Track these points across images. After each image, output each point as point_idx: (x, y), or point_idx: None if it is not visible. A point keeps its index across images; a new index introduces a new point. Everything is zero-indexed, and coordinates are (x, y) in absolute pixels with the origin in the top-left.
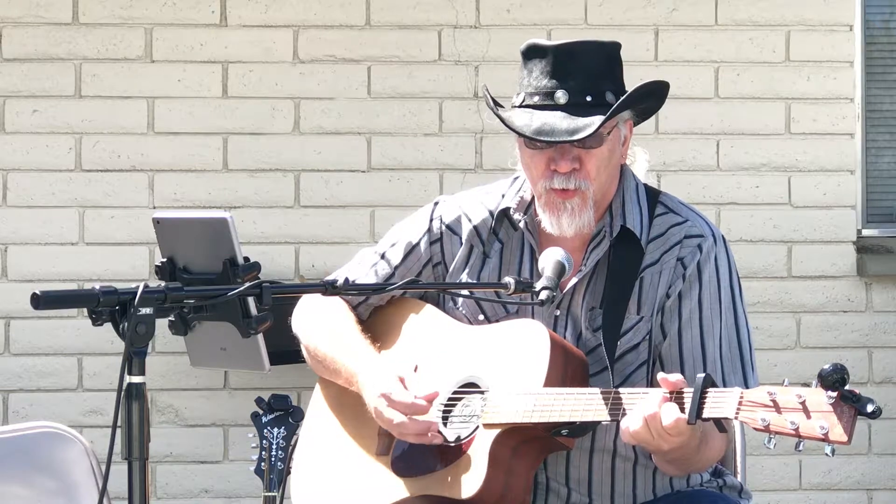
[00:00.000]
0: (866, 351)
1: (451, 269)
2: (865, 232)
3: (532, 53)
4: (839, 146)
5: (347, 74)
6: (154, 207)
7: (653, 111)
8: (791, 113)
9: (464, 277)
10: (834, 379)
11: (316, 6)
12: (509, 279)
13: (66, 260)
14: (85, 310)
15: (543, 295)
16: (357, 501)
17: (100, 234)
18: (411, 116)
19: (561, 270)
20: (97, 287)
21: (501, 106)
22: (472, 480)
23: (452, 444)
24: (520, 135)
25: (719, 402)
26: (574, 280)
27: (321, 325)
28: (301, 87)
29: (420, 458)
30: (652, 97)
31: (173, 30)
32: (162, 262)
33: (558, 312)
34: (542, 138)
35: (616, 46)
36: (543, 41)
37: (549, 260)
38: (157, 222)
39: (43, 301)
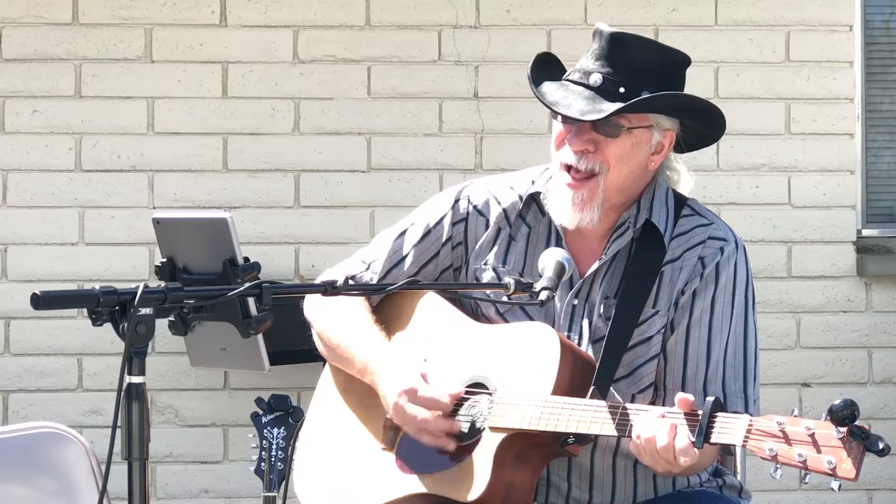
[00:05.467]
0: (866, 351)
1: (474, 251)
2: (865, 232)
3: (594, 35)
4: (839, 146)
5: (347, 74)
6: (154, 207)
7: (706, 138)
8: (791, 113)
9: (490, 258)
10: (844, 415)
11: (316, 6)
12: (509, 279)
13: (66, 260)
14: (85, 310)
15: (543, 295)
16: (359, 494)
17: (100, 234)
18: (411, 116)
19: (561, 271)
20: (97, 287)
21: (560, 72)
22: (476, 483)
23: (458, 445)
24: (540, 100)
25: (727, 428)
26: (593, 268)
27: (334, 311)
28: (301, 87)
29: (425, 456)
30: (693, 115)
31: (173, 30)
32: (162, 263)
33: (576, 301)
34: (555, 109)
35: (680, 56)
36: (605, 26)
37: (549, 260)
38: (157, 222)
39: (43, 301)
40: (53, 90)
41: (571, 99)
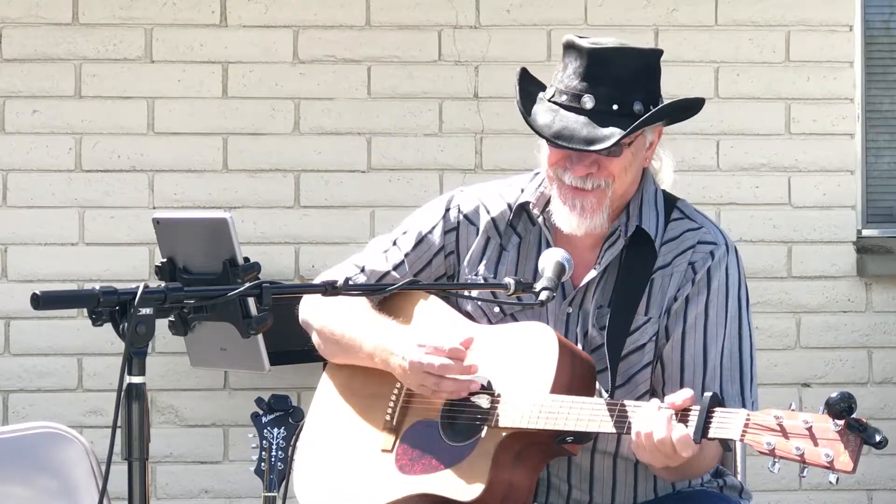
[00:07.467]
0: (866, 351)
1: (465, 260)
2: (865, 232)
3: (569, 49)
4: (839, 146)
5: (347, 74)
6: (154, 207)
7: (685, 118)
8: (791, 113)
9: (481, 269)
10: (841, 408)
11: (316, 6)
12: (509, 280)
13: (66, 260)
14: (85, 310)
15: (543, 295)
16: (359, 496)
17: (100, 234)
18: (411, 116)
19: (561, 271)
20: (97, 287)
21: (543, 86)
22: (475, 483)
23: (457, 445)
24: (540, 135)
25: (725, 423)
26: (587, 278)
27: (334, 307)
28: (301, 87)
29: (424, 457)
30: (681, 112)
31: (173, 30)
32: (162, 263)
33: (570, 310)
34: (559, 143)
35: (655, 54)
36: (580, 40)
37: (548, 260)
38: (157, 222)
39: (43, 301)
40: (53, 90)
41: (571, 128)
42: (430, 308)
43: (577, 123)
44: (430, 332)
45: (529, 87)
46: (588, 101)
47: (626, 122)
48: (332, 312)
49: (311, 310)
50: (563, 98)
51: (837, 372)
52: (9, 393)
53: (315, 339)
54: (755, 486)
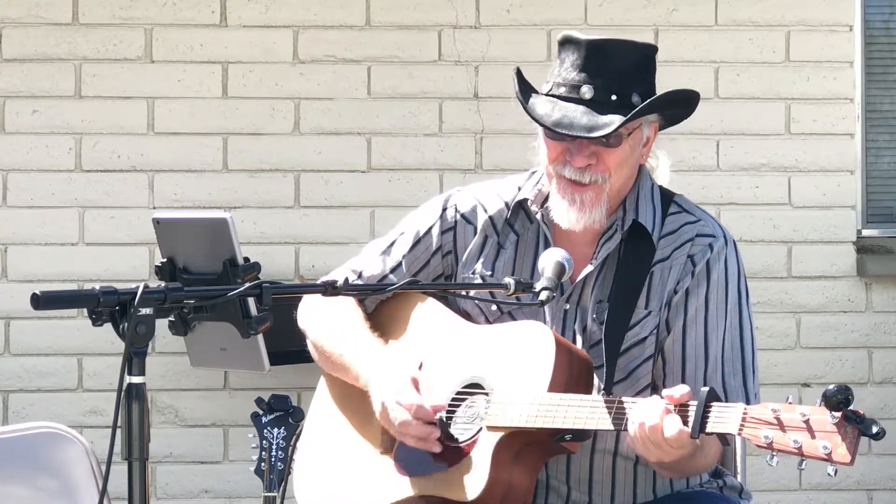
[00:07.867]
0: (866, 351)
1: (462, 259)
2: (865, 232)
3: (567, 44)
4: (839, 146)
5: (347, 74)
6: (154, 207)
7: (681, 118)
8: (791, 113)
9: (478, 267)
10: (838, 399)
11: (316, 6)
12: (509, 280)
13: (66, 260)
14: (85, 310)
15: (543, 295)
16: (359, 498)
17: (100, 234)
18: (411, 116)
19: (561, 271)
20: (97, 287)
21: (535, 90)
22: (474, 483)
23: (456, 445)
24: (539, 124)
25: (722, 417)
26: (584, 273)
27: (328, 319)
28: (301, 87)
29: (423, 458)
30: (679, 105)
31: (173, 30)
32: (162, 263)
33: (568, 306)
34: (559, 130)
35: (651, 49)
36: (578, 34)
37: (548, 260)
38: (157, 222)
39: (43, 301)
40: (53, 90)
41: (571, 116)
42: (426, 310)
43: (576, 112)
44: (408, 383)
45: (525, 86)
46: (587, 92)
47: (625, 111)
48: (325, 327)
49: (307, 319)
50: (562, 90)
51: (837, 372)
52: (9, 393)
53: (310, 347)
54: (755, 486)
